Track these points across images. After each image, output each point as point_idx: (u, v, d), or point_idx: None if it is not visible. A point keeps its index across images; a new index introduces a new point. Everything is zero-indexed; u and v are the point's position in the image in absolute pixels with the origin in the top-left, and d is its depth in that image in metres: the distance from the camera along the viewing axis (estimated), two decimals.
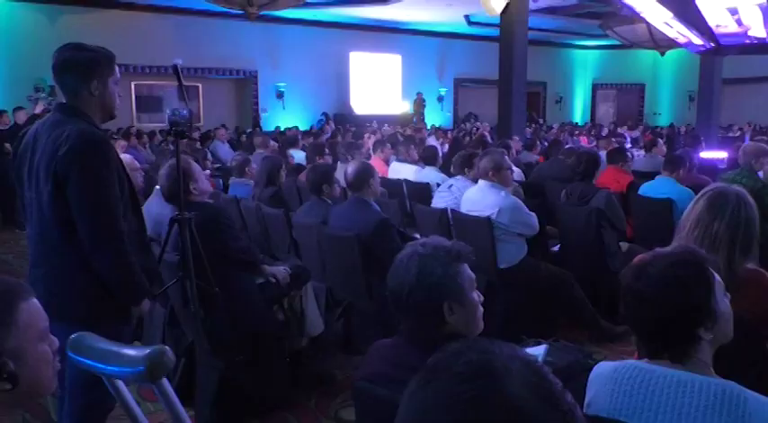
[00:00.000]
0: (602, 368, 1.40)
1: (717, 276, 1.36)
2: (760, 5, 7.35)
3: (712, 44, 8.68)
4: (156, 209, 3.28)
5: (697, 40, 8.78)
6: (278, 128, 14.92)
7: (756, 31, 7.82)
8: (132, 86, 14.21)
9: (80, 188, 1.94)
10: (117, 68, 2.14)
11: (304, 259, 3.85)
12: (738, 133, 15.98)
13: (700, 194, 1.99)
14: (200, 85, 15.23)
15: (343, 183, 4.09)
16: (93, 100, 2.07)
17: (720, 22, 8.08)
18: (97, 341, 1.11)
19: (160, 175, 3.02)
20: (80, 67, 2.04)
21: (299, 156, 7.03)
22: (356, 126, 13.95)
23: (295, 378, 3.25)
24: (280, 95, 16.19)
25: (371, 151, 6.77)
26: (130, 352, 1.03)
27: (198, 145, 9.36)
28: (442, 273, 1.46)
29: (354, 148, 5.89)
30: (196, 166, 3.23)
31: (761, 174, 4.77)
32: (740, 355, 1.85)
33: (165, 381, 1.05)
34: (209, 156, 8.37)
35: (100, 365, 1.06)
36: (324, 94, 16.66)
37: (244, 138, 11.93)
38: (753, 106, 17.99)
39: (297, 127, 14.05)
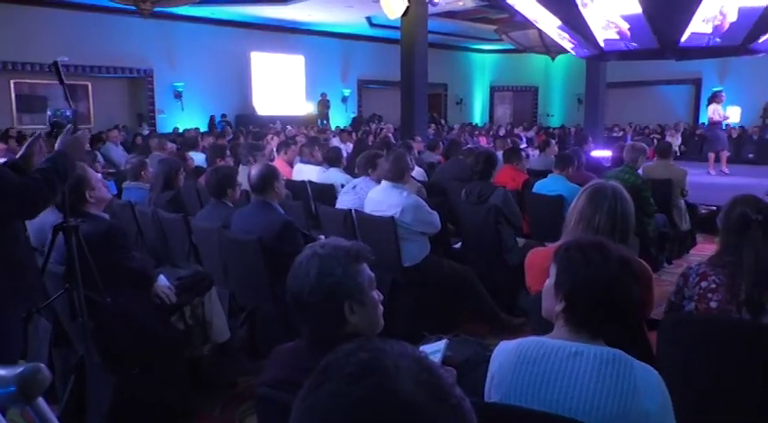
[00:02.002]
0: (506, 344, 1.48)
1: None
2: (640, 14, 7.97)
3: (596, 50, 9.28)
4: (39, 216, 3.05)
5: (582, 46, 9.34)
6: (176, 129, 14.36)
7: (639, 41, 8.48)
8: (12, 85, 13.17)
9: None
10: None
11: (205, 265, 3.73)
12: (621, 133, 17.25)
13: (581, 191, 2.16)
14: (90, 84, 14.36)
15: (245, 185, 4.00)
16: None
17: (603, 30, 8.67)
18: None
19: None
20: None
21: (198, 158, 6.79)
22: (259, 127, 13.70)
23: (198, 387, 3.14)
24: (178, 96, 15.58)
25: (275, 153, 6.66)
26: (0, 372, 0.94)
27: (87, 147, 8.81)
28: (341, 273, 1.46)
29: (256, 150, 5.76)
30: (93, 173, 3.04)
31: (641, 171, 5.21)
32: (622, 338, 1.99)
33: (40, 401, 0.97)
34: (101, 159, 7.90)
35: None
36: (225, 94, 16.22)
37: (139, 139, 11.37)
38: (634, 108, 19.43)
39: (197, 128, 13.60)
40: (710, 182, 10.00)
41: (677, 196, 5.65)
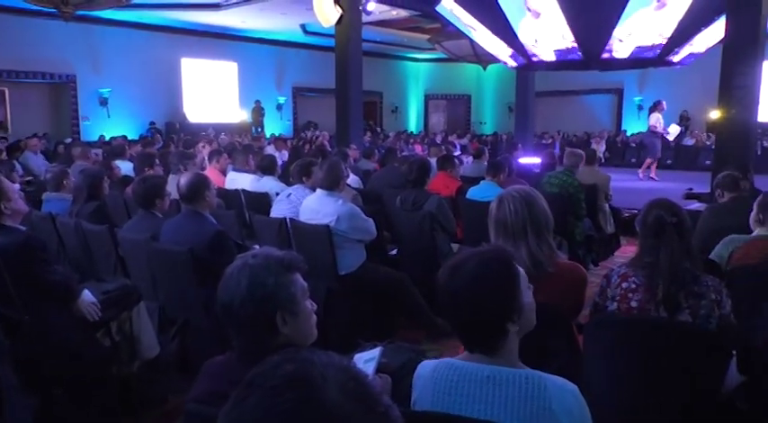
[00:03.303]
0: (424, 368, 1.47)
1: (521, 270, 1.48)
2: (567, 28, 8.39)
3: (525, 60, 9.62)
4: None
5: (514, 57, 9.68)
6: (102, 137, 13.82)
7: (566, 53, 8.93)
8: None
9: None
10: None
11: (133, 278, 3.59)
12: (550, 141, 17.89)
13: (493, 200, 2.28)
14: (7, 90, 13.64)
15: (175, 195, 3.88)
16: None
17: (536, 48, 9.09)
18: None
19: None
20: None
21: (126, 167, 6.54)
22: (191, 135, 13.36)
23: (127, 406, 3.02)
24: (103, 102, 14.98)
25: (207, 161, 6.50)
26: None
27: (4, 156, 8.35)
28: (273, 283, 1.43)
29: (187, 158, 5.60)
30: (8, 184, 2.89)
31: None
32: (549, 342, 2.05)
33: None
34: (19, 169, 7.49)
35: None
36: (154, 101, 15.73)
37: (61, 148, 10.86)
38: (561, 116, 20.20)
39: (124, 136, 13.11)
40: (632, 186, 10.51)
41: (602, 201, 5.90)
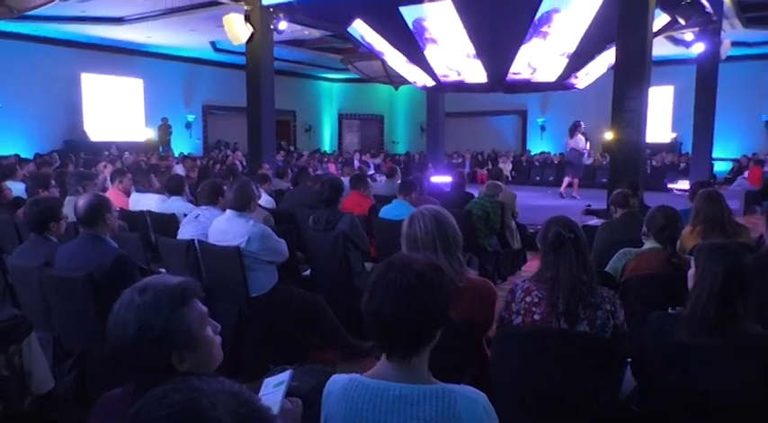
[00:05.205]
0: (334, 384, 1.45)
1: None
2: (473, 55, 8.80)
3: (434, 83, 9.94)
4: None
5: (424, 80, 9.99)
6: None
7: (473, 77, 9.32)
8: None
9: None
10: None
11: (24, 307, 3.33)
12: (460, 160, 18.47)
13: (406, 218, 2.38)
14: None
15: (72, 218, 3.66)
16: None
17: (444, 72, 9.44)
18: None
19: None
20: None
21: (17, 188, 6.10)
22: (92, 153, 12.69)
23: None
24: None
25: (109, 182, 6.19)
26: None
27: None
28: (164, 324, 1.32)
29: (87, 179, 5.30)
30: None
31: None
32: (460, 356, 2.10)
33: None
34: None
35: None
36: (51, 118, 14.86)
37: None
38: (470, 136, 20.91)
39: (17, 155, 12.25)
40: (537, 204, 11.00)
41: (509, 218, 6.14)
